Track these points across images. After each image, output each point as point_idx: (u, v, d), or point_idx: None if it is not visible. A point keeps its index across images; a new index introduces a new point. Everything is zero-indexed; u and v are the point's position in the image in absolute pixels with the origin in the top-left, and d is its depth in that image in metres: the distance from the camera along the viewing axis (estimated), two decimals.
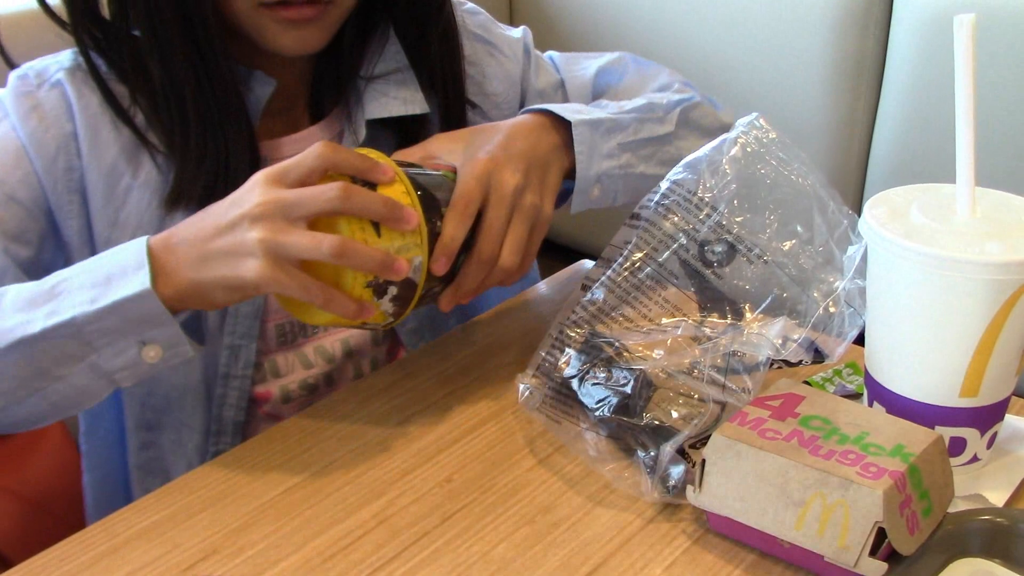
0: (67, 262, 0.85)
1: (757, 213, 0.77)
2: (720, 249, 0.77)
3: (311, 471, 0.74)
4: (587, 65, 1.05)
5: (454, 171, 0.81)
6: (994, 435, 0.71)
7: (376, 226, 0.71)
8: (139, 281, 0.71)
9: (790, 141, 0.78)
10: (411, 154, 0.84)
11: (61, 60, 0.86)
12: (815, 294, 0.75)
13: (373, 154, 0.75)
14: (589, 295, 0.79)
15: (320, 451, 0.76)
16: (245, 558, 0.66)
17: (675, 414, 0.71)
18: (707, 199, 0.78)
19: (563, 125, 0.86)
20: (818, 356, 0.73)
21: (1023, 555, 0.62)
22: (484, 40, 1.00)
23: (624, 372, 0.73)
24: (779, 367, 0.75)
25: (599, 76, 1.04)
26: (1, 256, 0.81)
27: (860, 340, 0.73)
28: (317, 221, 0.70)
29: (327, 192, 0.69)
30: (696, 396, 0.72)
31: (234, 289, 0.72)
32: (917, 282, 0.65)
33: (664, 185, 0.79)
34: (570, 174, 0.87)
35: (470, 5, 1.02)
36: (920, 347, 0.67)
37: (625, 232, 0.80)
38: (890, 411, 0.70)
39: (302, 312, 0.76)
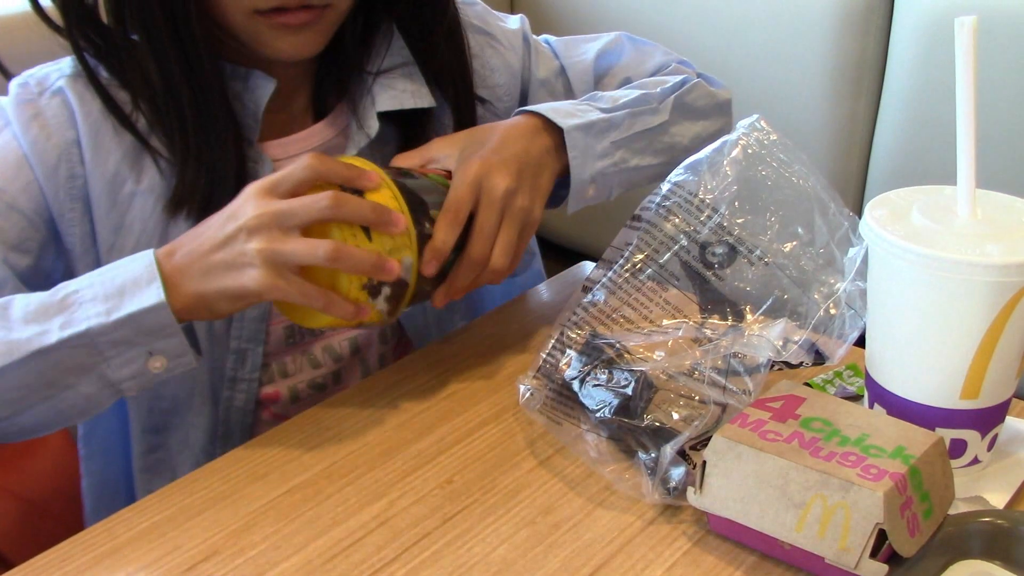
0: (67, 270, 0.85)
1: (758, 215, 0.77)
2: (721, 251, 0.77)
3: (312, 472, 0.74)
4: (587, 49, 1.05)
5: (449, 176, 0.83)
6: (995, 437, 0.71)
7: (367, 231, 0.74)
8: (154, 293, 0.73)
9: (791, 143, 0.78)
10: (410, 158, 0.86)
11: (62, 67, 0.86)
12: (816, 296, 0.75)
13: (359, 162, 0.77)
14: (590, 297, 0.79)
15: (321, 452, 0.76)
16: (246, 559, 0.66)
17: (676, 416, 0.71)
18: (708, 201, 0.78)
19: (557, 127, 0.87)
20: (819, 358, 0.73)
21: None
22: (483, 32, 1.00)
23: (625, 374, 0.73)
24: (780, 369, 0.75)
25: (599, 59, 1.04)
26: (1, 266, 0.81)
27: (861, 342, 0.73)
28: (310, 229, 0.73)
29: (319, 201, 0.72)
30: (697, 398, 0.72)
31: (237, 298, 0.74)
32: (918, 284, 0.65)
33: (665, 187, 0.79)
34: (564, 174, 0.89)
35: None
36: (921, 349, 0.67)
37: (626, 234, 0.80)
38: (891, 413, 0.70)
39: (300, 316, 0.78)
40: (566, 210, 0.92)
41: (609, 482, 0.72)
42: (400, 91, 0.91)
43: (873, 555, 0.59)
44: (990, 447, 0.71)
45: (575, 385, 0.75)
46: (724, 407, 0.70)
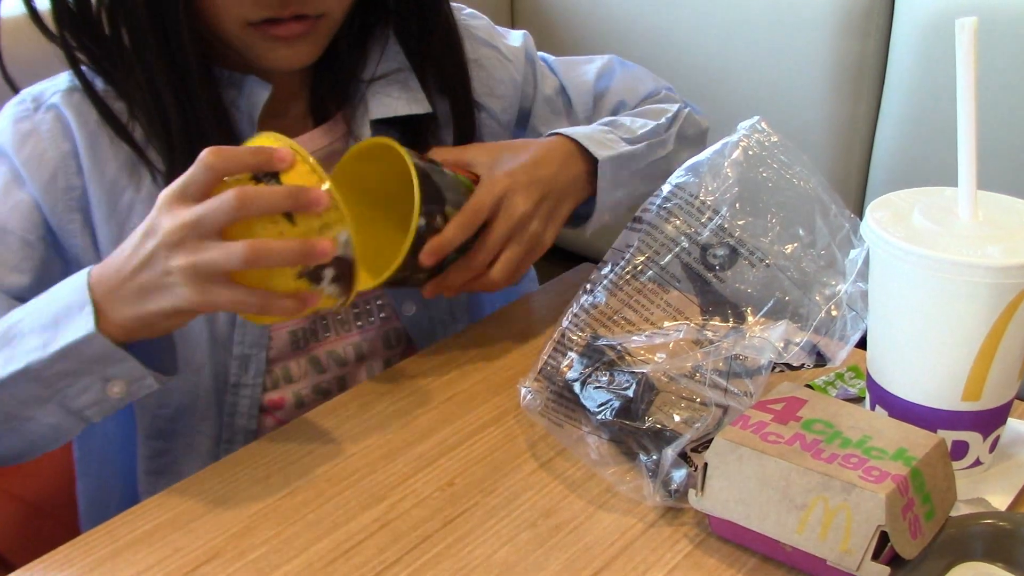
0: None
1: (759, 216, 0.77)
2: (722, 252, 0.77)
3: (313, 475, 0.74)
4: (586, 70, 1.07)
5: (476, 180, 0.85)
6: (996, 439, 0.71)
7: (289, 216, 0.69)
8: (84, 324, 0.71)
9: (792, 144, 0.78)
10: (444, 153, 0.89)
11: (58, 83, 0.86)
12: (817, 297, 0.75)
13: (269, 139, 0.73)
14: (591, 298, 0.79)
15: (322, 455, 0.76)
16: (247, 562, 0.66)
17: (677, 418, 0.71)
18: (709, 202, 0.78)
19: (587, 157, 0.91)
20: (820, 360, 0.73)
21: None
22: (489, 45, 1.01)
23: (626, 376, 0.73)
24: (781, 371, 0.75)
25: (597, 80, 1.07)
26: None
27: (862, 344, 0.73)
28: (231, 228, 0.69)
29: (224, 203, 0.67)
30: (698, 400, 0.72)
31: (172, 316, 0.72)
32: (919, 285, 0.65)
33: (666, 188, 0.79)
34: (582, 203, 0.93)
35: (470, 11, 1.02)
36: (922, 351, 0.67)
37: (627, 235, 0.80)
38: (892, 415, 0.70)
39: (252, 315, 0.76)
40: (583, 233, 0.96)
41: (610, 484, 0.72)
42: (395, 98, 0.91)
43: (875, 557, 0.59)
44: (992, 449, 0.71)
45: (576, 387, 0.75)
46: (725, 409, 0.70)
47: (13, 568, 0.66)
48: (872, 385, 0.72)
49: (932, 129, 1.74)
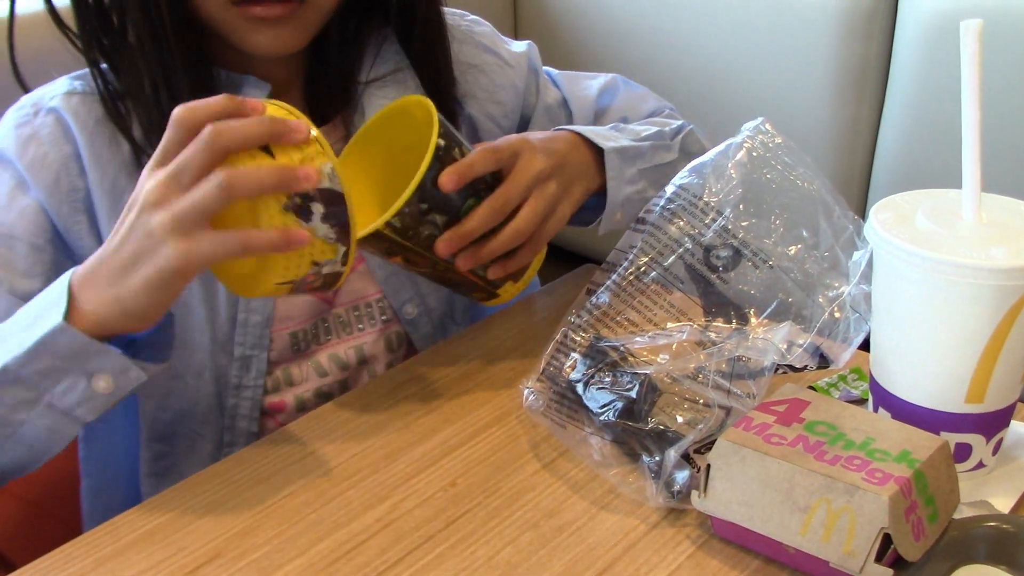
0: None
1: (762, 218, 0.77)
2: (725, 254, 0.77)
3: (315, 475, 0.74)
4: (589, 85, 1.07)
5: None
6: (1000, 441, 0.71)
7: (268, 149, 0.67)
8: (54, 316, 0.69)
9: (795, 146, 0.78)
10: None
11: (56, 87, 0.87)
12: (820, 299, 0.75)
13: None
14: (594, 299, 0.79)
15: (324, 455, 0.76)
16: (249, 561, 0.66)
17: (680, 419, 0.71)
18: (712, 203, 0.78)
19: (593, 148, 0.89)
20: (823, 361, 0.73)
21: None
22: (491, 51, 1.01)
23: (629, 376, 0.73)
24: (784, 372, 0.75)
25: (600, 96, 1.07)
26: (5, 296, 0.81)
27: (865, 346, 0.73)
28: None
29: (198, 144, 0.66)
30: (701, 401, 0.72)
31: (158, 287, 0.68)
32: (922, 287, 0.65)
33: (670, 189, 0.79)
34: (593, 194, 0.91)
35: (474, 17, 1.03)
36: (925, 353, 0.67)
37: (630, 236, 0.80)
38: (895, 417, 0.69)
39: (242, 284, 0.73)
40: (596, 231, 0.95)
41: (613, 485, 0.72)
42: (391, 99, 0.91)
43: (878, 559, 0.59)
44: (995, 451, 0.71)
45: (579, 388, 0.75)
46: (728, 410, 0.70)
47: (15, 567, 0.66)
48: (875, 387, 0.72)
49: (935, 131, 1.74)
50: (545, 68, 1.07)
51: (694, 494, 0.65)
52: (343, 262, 0.71)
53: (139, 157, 0.85)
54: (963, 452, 0.69)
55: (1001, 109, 1.63)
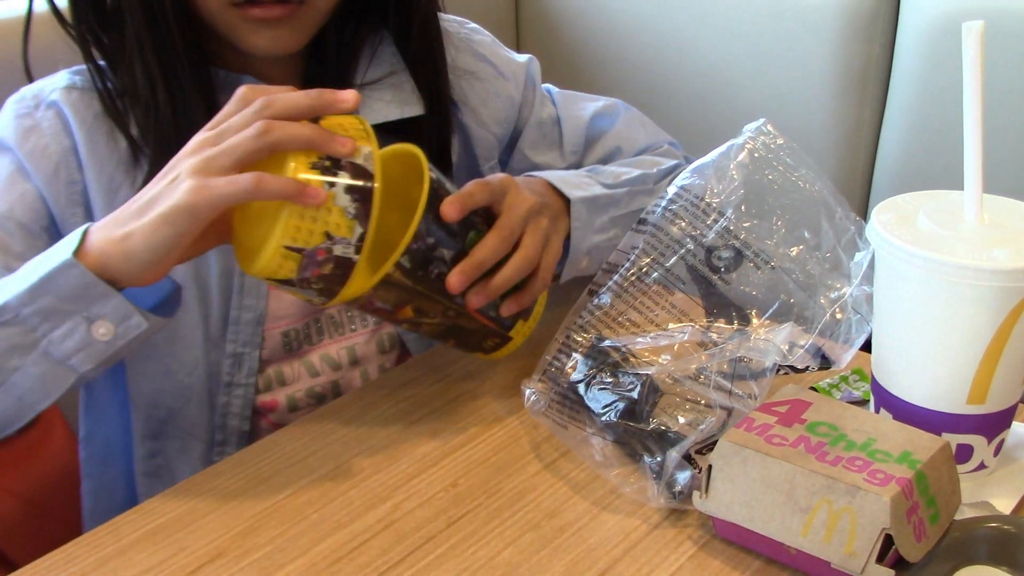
0: None
1: (764, 219, 0.77)
2: (727, 255, 0.77)
3: (316, 475, 0.74)
4: (584, 107, 1.06)
5: None
6: (1001, 442, 0.71)
7: (315, 121, 0.69)
8: (63, 254, 0.69)
9: (797, 147, 0.78)
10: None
11: (56, 81, 0.87)
12: (822, 300, 0.75)
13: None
14: (596, 300, 0.79)
15: (325, 455, 0.76)
16: (251, 561, 0.66)
17: (681, 419, 0.71)
18: (714, 204, 0.78)
19: (562, 195, 0.88)
20: (825, 362, 0.73)
21: None
22: (488, 61, 1.01)
23: (631, 377, 0.73)
24: (785, 373, 0.75)
25: (594, 119, 1.05)
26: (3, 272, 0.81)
27: (867, 346, 0.73)
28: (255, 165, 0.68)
29: (247, 109, 0.68)
30: (702, 402, 0.72)
31: (166, 223, 0.67)
32: (924, 288, 0.65)
33: (671, 190, 0.80)
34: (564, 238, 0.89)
35: (474, 26, 1.03)
36: (927, 354, 0.67)
37: (632, 237, 0.80)
38: (897, 417, 0.70)
39: (255, 255, 0.70)
40: (558, 281, 0.91)
41: (614, 486, 0.72)
42: (386, 102, 0.91)
43: (879, 560, 0.59)
44: (996, 452, 0.71)
45: (581, 388, 0.75)
46: (730, 411, 0.70)
47: (16, 566, 0.66)
48: (877, 388, 0.72)
49: (937, 133, 1.74)
50: (546, 86, 1.07)
51: (695, 495, 0.65)
52: (356, 250, 0.69)
53: (136, 154, 0.85)
54: (964, 453, 0.69)
55: (1003, 110, 1.63)
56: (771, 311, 0.75)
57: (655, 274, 0.77)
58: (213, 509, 0.71)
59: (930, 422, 0.68)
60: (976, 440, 0.69)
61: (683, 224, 0.78)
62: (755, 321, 0.76)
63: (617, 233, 0.91)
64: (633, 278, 0.78)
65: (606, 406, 0.73)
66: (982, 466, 0.70)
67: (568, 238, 0.89)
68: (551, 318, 0.83)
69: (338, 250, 0.68)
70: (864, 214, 0.70)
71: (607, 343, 0.76)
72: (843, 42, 1.79)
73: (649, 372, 0.73)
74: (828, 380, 0.81)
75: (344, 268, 0.69)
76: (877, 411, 0.72)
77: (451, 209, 0.73)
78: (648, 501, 0.69)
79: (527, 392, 0.77)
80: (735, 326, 0.76)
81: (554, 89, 1.07)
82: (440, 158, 0.95)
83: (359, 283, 0.71)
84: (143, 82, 0.83)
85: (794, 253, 0.76)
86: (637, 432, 0.72)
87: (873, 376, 0.72)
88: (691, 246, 0.77)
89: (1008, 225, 0.67)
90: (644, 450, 0.71)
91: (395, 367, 0.96)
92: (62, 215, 0.85)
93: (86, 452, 0.97)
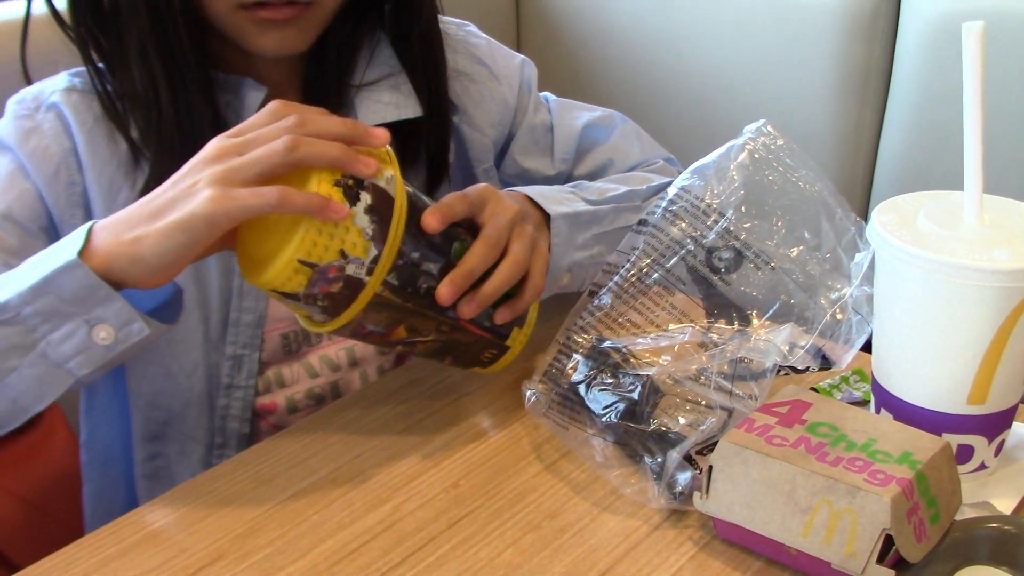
0: None
1: (764, 219, 0.77)
2: (727, 255, 0.77)
3: (317, 476, 0.74)
4: (578, 116, 1.05)
5: None
6: (1002, 443, 0.71)
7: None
8: (68, 254, 0.67)
9: (797, 147, 0.78)
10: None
11: (56, 83, 0.87)
12: (822, 301, 0.75)
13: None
14: (596, 301, 0.79)
15: (326, 456, 0.76)
16: (251, 563, 0.66)
17: (682, 420, 0.71)
18: (714, 205, 0.78)
19: (543, 211, 0.86)
20: (825, 363, 0.73)
21: None
22: (484, 63, 1.00)
23: (631, 378, 0.73)
24: (786, 374, 0.75)
25: (586, 129, 1.04)
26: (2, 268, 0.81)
27: (867, 347, 0.73)
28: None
29: (279, 124, 0.68)
30: (703, 402, 0.72)
31: (181, 231, 0.66)
32: (924, 289, 0.65)
33: (672, 191, 0.80)
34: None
35: (472, 28, 1.03)
36: (927, 354, 0.67)
37: (632, 238, 0.80)
38: (897, 418, 0.70)
39: (263, 266, 0.69)
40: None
41: (615, 487, 0.72)
42: (384, 104, 0.91)
43: (880, 560, 0.59)
44: (997, 452, 0.71)
45: (581, 389, 0.75)
46: (730, 412, 0.70)
47: (17, 567, 0.66)
48: (877, 388, 0.72)
49: (938, 133, 1.74)
50: (544, 94, 1.06)
51: (696, 495, 0.65)
52: (368, 271, 0.69)
53: (136, 156, 0.85)
54: (965, 453, 0.69)
55: (1003, 111, 1.63)
56: (771, 312, 0.75)
57: (655, 275, 0.77)
58: (214, 511, 0.71)
59: (931, 422, 0.68)
60: (977, 440, 0.69)
61: (683, 225, 0.78)
62: (755, 322, 0.76)
63: (601, 250, 0.89)
64: (633, 279, 0.78)
65: (607, 407, 0.73)
66: (983, 466, 0.70)
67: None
68: (552, 320, 0.83)
69: (350, 269, 0.68)
70: (865, 215, 0.70)
71: (608, 344, 0.76)
72: (843, 43, 1.79)
73: (650, 373, 0.73)
74: (828, 381, 0.81)
75: (353, 288, 0.69)
76: (877, 412, 0.72)
77: (432, 220, 0.72)
78: (649, 502, 0.69)
79: (528, 393, 0.77)
80: (735, 327, 0.76)
81: (552, 97, 1.07)
82: (438, 161, 0.95)
83: (354, 306, 0.71)
84: (143, 84, 0.83)
85: (794, 254, 0.76)
86: (638, 433, 0.72)
87: (873, 377, 0.72)
88: (691, 247, 0.77)
89: (1008, 225, 0.67)
90: (645, 451, 0.71)
91: (395, 368, 0.96)
92: (61, 216, 0.85)
93: (87, 455, 0.97)
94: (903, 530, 0.59)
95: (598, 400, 0.74)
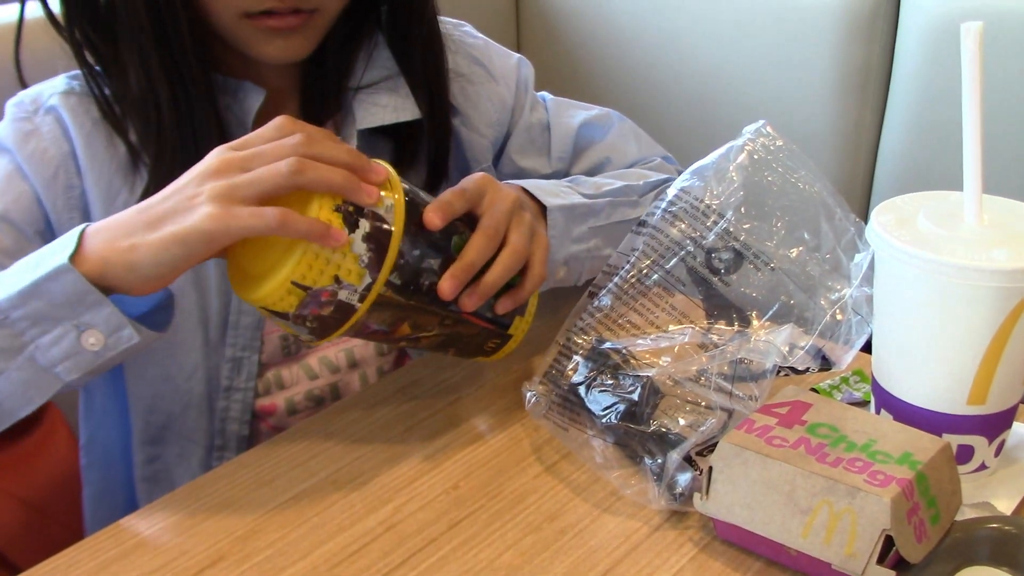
0: None
1: (764, 220, 0.77)
2: (727, 256, 0.77)
3: (318, 478, 0.74)
4: (574, 114, 1.05)
5: None
6: (1002, 443, 0.71)
7: None
8: (59, 259, 0.67)
9: (797, 148, 0.78)
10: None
11: (55, 85, 0.87)
12: (822, 301, 0.75)
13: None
14: (596, 302, 0.79)
15: (327, 458, 0.76)
16: (252, 564, 0.66)
17: (682, 421, 0.71)
18: (714, 206, 0.78)
19: (539, 203, 0.87)
20: (825, 363, 0.73)
21: None
22: (481, 64, 1.01)
23: (631, 379, 0.73)
24: (786, 374, 0.75)
25: (583, 128, 1.04)
26: None
27: (867, 348, 0.73)
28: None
29: (285, 141, 0.68)
30: (703, 403, 0.72)
31: (179, 245, 0.66)
32: (924, 289, 0.65)
33: (671, 192, 0.80)
34: None
35: (468, 28, 1.03)
36: (927, 354, 0.67)
37: (632, 239, 0.80)
38: (897, 418, 0.70)
39: (257, 283, 0.69)
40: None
41: (615, 488, 0.72)
42: (382, 106, 0.91)
43: (880, 561, 0.59)
44: (997, 453, 0.71)
45: (581, 391, 0.75)
46: (730, 413, 0.70)
47: (18, 569, 0.66)
48: (877, 389, 0.72)
49: (937, 133, 1.74)
50: (542, 93, 1.06)
51: (696, 496, 0.65)
52: (360, 298, 0.69)
53: (135, 160, 0.85)
54: (965, 454, 0.69)
55: (1003, 111, 1.63)
56: (771, 312, 0.75)
57: (655, 276, 0.77)
58: (214, 513, 0.71)
59: (931, 423, 0.68)
60: (977, 441, 0.69)
61: (683, 226, 0.78)
62: (755, 323, 0.76)
63: (598, 244, 0.90)
64: (633, 280, 0.78)
65: (607, 408, 0.73)
66: (983, 467, 0.70)
67: None
68: (551, 321, 0.83)
69: (343, 295, 0.69)
70: (865, 215, 0.70)
71: (607, 345, 0.76)
72: (843, 43, 1.79)
73: (650, 374, 0.73)
74: (828, 381, 0.81)
75: (344, 313, 0.70)
76: (878, 412, 0.72)
77: (434, 217, 0.72)
78: (649, 503, 0.69)
79: (528, 394, 0.77)
80: (735, 328, 0.76)
81: (549, 96, 1.07)
82: (439, 163, 0.95)
83: (341, 329, 0.71)
84: (141, 87, 0.82)
85: (794, 254, 0.76)
86: (638, 434, 0.72)
87: (873, 377, 0.72)
88: (691, 248, 0.77)
89: (1008, 225, 0.67)
90: (645, 452, 0.71)
91: (395, 370, 0.96)
92: (59, 219, 0.85)
93: (86, 459, 0.97)
94: (903, 530, 0.59)
95: (598, 401, 0.74)
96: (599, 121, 1.05)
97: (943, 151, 1.72)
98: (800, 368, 0.72)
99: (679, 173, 0.96)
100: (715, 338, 0.75)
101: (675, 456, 0.68)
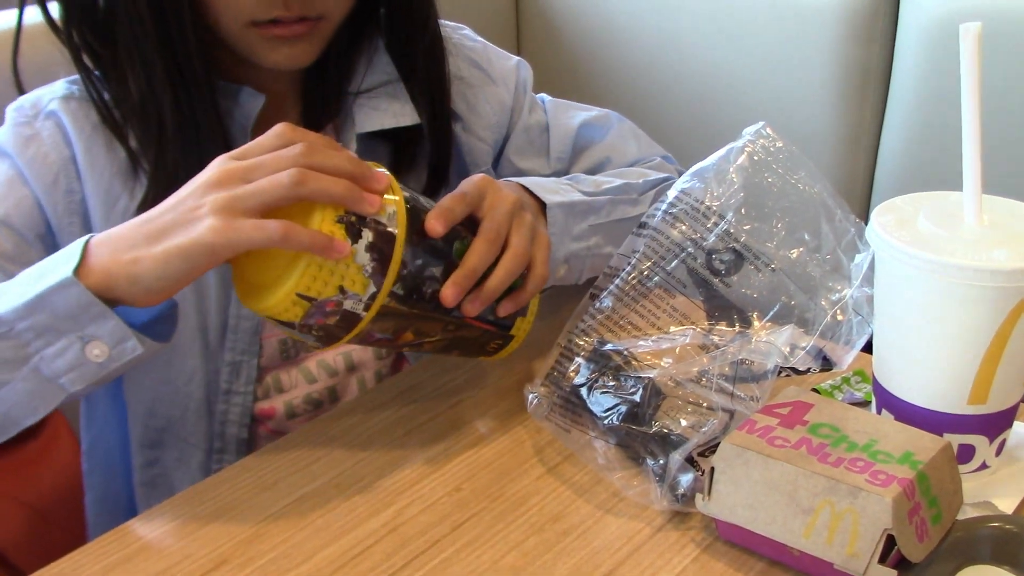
0: None
1: (764, 221, 0.77)
2: (728, 257, 0.77)
3: (320, 481, 0.74)
4: (573, 115, 1.05)
5: None
6: (1003, 442, 0.71)
7: None
8: (63, 271, 0.67)
9: (797, 149, 0.79)
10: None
11: (55, 90, 0.87)
12: (823, 302, 0.75)
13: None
14: (597, 304, 0.79)
15: (329, 461, 0.77)
16: (255, 568, 0.66)
17: (684, 422, 0.71)
18: (714, 208, 0.78)
19: (539, 201, 0.87)
20: (826, 364, 0.73)
21: None
22: (480, 67, 1.01)
23: (633, 380, 0.74)
24: (787, 375, 0.75)
25: (582, 128, 1.04)
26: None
27: (868, 348, 0.73)
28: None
29: (286, 152, 0.67)
30: (705, 404, 0.72)
31: (182, 258, 0.66)
32: (925, 290, 0.65)
33: (672, 194, 0.80)
34: None
35: (467, 31, 1.03)
36: (928, 354, 0.67)
37: (633, 241, 0.80)
38: (898, 418, 0.70)
39: (262, 293, 0.69)
40: None
41: (617, 489, 0.72)
42: (382, 111, 0.91)
43: (882, 560, 0.59)
44: (998, 452, 0.71)
45: (583, 392, 0.75)
46: (732, 413, 0.71)
47: (22, 573, 0.67)
48: (878, 389, 0.72)
49: (937, 134, 1.74)
50: (540, 95, 1.07)
51: (698, 497, 0.65)
52: (365, 307, 0.69)
53: (135, 165, 0.85)
54: (966, 453, 0.69)
55: (1002, 111, 1.63)
56: (772, 313, 0.75)
57: (656, 278, 0.78)
58: (216, 517, 0.71)
59: (931, 422, 0.68)
60: (978, 440, 0.69)
61: (683, 227, 0.78)
62: (756, 323, 0.76)
63: (598, 242, 0.90)
64: (634, 282, 0.78)
65: (608, 409, 0.73)
66: (984, 466, 0.70)
67: None
68: (552, 323, 0.83)
69: (348, 305, 0.69)
70: (866, 216, 0.70)
71: (609, 347, 0.77)
72: (843, 44, 1.79)
73: (651, 375, 0.73)
74: (830, 382, 0.81)
75: (349, 322, 0.70)
76: (879, 412, 0.72)
77: (436, 224, 0.71)
78: (651, 504, 0.69)
79: (530, 396, 0.77)
80: (736, 329, 0.76)
81: (547, 98, 1.07)
82: (439, 168, 0.95)
83: (347, 337, 0.71)
84: (141, 92, 0.82)
85: (794, 255, 0.76)
86: (640, 435, 0.72)
87: (874, 377, 0.72)
88: (691, 249, 0.77)
89: (1008, 225, 0.67)
90: (647, 453, 0.71)
91: (392, 374, 0.96)
92: (59, 224, 0.85)
93: (88, 464, 0.97)
94: (905, 530, 0.59)
95: (600, 403, 0.74)
96: (598, 121, 1.05)
97: (943, 151, 1.72)
98: (801, 369, 0.72)
99: (679, 173, 0.97)
100: (716, 339, 0.75)
101: (677, 457, 0.69)
